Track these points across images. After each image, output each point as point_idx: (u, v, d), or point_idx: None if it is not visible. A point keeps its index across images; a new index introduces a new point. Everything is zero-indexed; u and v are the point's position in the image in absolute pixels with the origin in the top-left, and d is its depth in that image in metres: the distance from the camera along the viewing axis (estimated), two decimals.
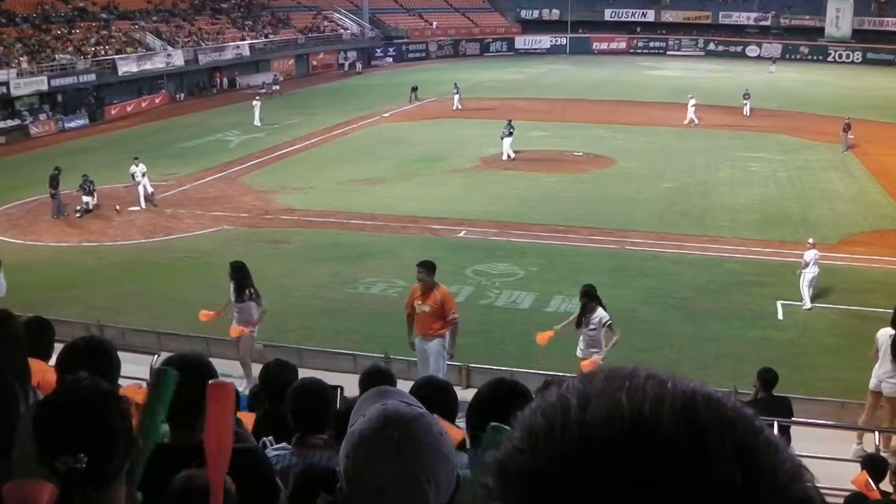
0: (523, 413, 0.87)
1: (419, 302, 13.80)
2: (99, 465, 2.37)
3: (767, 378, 11.33)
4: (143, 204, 29.84)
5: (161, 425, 3.18)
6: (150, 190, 30.13)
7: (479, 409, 4.12)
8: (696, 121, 45.67)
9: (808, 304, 20.04)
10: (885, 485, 8.35)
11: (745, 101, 49.49)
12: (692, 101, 46.18)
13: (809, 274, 19.90)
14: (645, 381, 0.84)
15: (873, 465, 8.64)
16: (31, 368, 3.82)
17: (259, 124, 46.40)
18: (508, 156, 37.02)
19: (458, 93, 52.25)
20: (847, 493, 8.67)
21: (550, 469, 0.80)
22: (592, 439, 0.80)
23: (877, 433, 11.97)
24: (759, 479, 0.78)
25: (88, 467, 2.34)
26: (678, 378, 0.86)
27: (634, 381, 0.84)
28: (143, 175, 29.95)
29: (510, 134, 37.26)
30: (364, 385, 6.40)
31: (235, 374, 13.99)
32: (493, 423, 2.70)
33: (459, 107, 51.46)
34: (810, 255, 19.90)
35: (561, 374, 13.91)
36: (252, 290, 15.08)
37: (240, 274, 15.12)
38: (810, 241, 20.65)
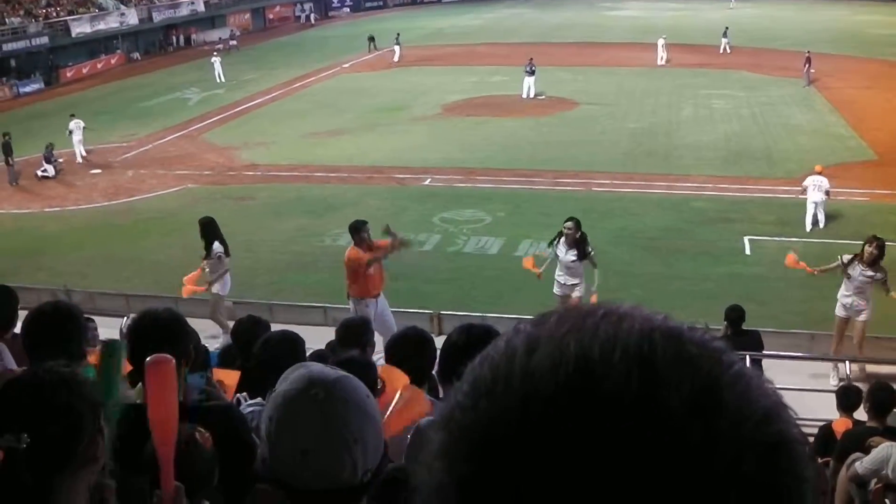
0: (473, 361, 0.80)
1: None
2: (64, 449, 2.31)
3: (732, 317, 11.41)
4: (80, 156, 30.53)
5: (119, 394, 3.13)
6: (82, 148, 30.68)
7: (450, 356, 3.95)
8: (664, 61, 45.66)
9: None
10: (860, 414, 8.43)
11: (724, 39, 49.45)
12: (662, 41, 46.13)
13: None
14: (601, 319, 0.76)
15: (847, 395, 8.72)
16: None
17: (223, 80, 45.69)
18: (536, 95, 37.87)
19: (398, 44, 51.20)
20: (820, 424, 8.78)
21: (493, 429, 0.73)
22: (534, 393, 0.72)
23: (847, 363, 12.09)
24: (720, 422, 0.70)
25: (53, 451, 2.29)
26: (642, 313, 0.78)
27: (589, 320, 0.77)
28: (80, 129, 30.53)
29: (531, 73, 37.70)
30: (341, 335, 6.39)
31: (206, 333, 13.88)
32: None
33: (396, 59, 50.54)
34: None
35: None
36: (213, 249, 14.73)
37: (202, 231, 14.88)
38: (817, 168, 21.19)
